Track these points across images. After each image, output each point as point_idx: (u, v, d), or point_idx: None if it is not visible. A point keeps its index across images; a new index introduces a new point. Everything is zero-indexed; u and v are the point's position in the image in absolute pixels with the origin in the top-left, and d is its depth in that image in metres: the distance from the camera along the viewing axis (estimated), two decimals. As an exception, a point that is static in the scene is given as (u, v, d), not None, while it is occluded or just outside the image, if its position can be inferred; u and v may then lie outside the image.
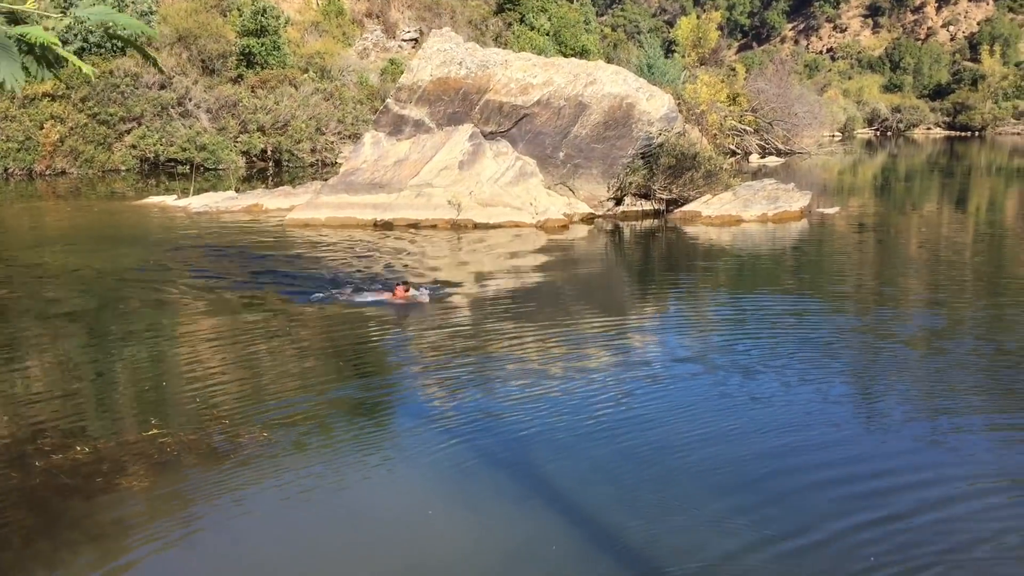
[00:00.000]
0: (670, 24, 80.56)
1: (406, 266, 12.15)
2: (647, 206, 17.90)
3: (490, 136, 16.99)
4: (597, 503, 4.93)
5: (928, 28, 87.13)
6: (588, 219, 16.94)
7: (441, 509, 4.92)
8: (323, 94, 31.19)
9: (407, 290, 9.74)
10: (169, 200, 19.29)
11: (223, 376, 7.20)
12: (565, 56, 31.44)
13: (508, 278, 11.62)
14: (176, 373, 7.34)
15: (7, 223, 17.00)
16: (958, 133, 67.01)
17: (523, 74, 17.44)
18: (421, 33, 39.92)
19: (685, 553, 4.39)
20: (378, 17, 41.52)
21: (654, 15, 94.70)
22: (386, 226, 15.61)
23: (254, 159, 29.43)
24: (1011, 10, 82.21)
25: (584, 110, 17.14)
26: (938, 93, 73.85)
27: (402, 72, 22.42)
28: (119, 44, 27.32)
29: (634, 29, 76.41)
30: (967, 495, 5.08)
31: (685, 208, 17.26)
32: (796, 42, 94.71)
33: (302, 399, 6.64)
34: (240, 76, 31.35)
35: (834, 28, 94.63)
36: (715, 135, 32.09)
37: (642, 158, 17.37)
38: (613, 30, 73.22)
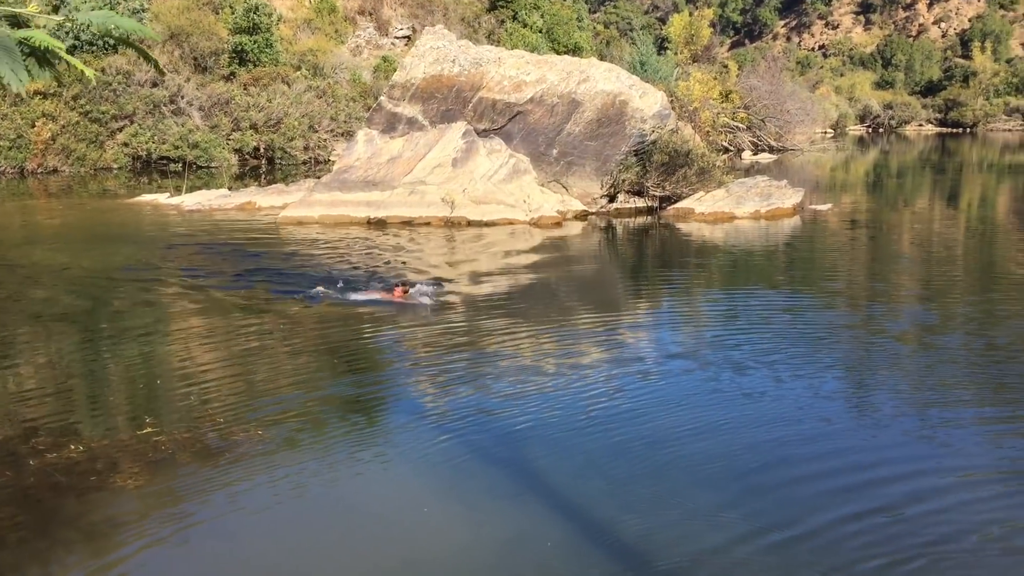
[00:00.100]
0: (662, 21, 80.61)
1: (404, 263, 12.16)
2: (640, 203, 17.94)
3: (483, 133, 17.00)
4: (590, 497, 4.96)
5: (920, 25, 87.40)
6: (582, 216, 16.97)
7: (435, 505, 4.94)
8: (316, 92, 31.13)
9: (406, 290, 9.72)
10: (162, 198, 19.24)
11: (217, 374, 7.21)
12: (558, 53, 31.43)
13: (502, 275, 11.65)
14: (170, 371, 7.35)
15: (-1, 222, 16.94)
16: (950, 130, 67.26)
17: (516, 71, 17.46)
18: (414, 30, 39.87)
19: (677, 545, 4.43)
20: (371, 14, 41.45)
21: (646, 12, 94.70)
22: (380, 224, 15.61)
23: (247, 157, 29.36)
24: (1002, 7, 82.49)
25: (577, 107, 17.16)
26: (930, 90, 74.12)
27: (395, 70, 22.40)
28: (111, 42, 27.29)
29: (627, 26, 76.41)
30: (956, 488, 5.13)
31: (678, 205, 17.31)
32: (788, 39, 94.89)
33: (296, 396, 6.65)
34: (232, 74, 31.27)
35: (826, 25, 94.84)
36: (708, 132, 32.14)
37: (635, 155, 17.40)
38: (606, 27, 73.18)
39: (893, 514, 4.76)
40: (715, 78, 37.49)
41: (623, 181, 17.56)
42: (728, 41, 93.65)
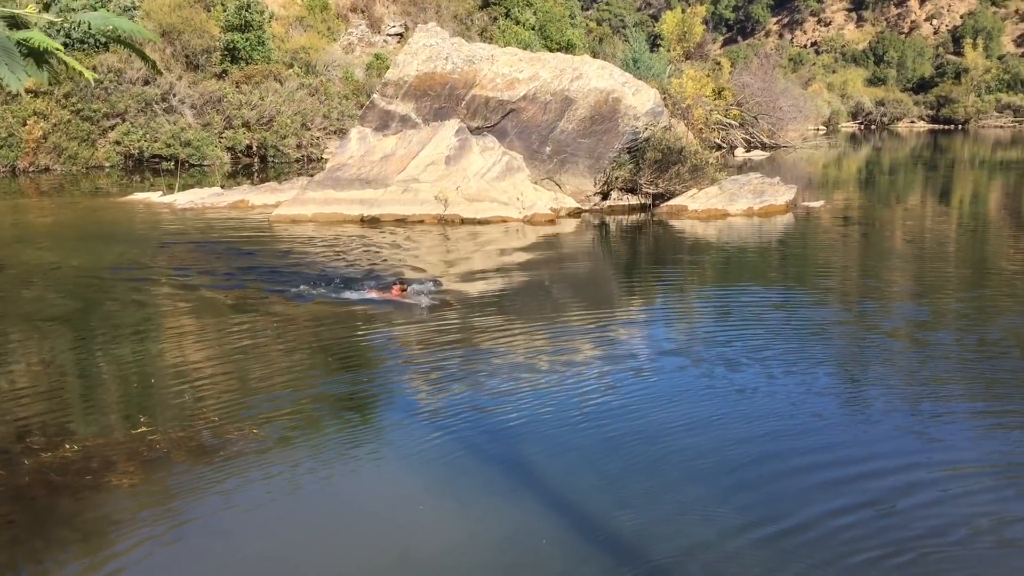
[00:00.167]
0: (655, 18, 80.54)
1: (401, 260, 12.17)
2: (633, 200, 17.97)
3: (477, 131, 17.01)
4: (584, 493, 4.99)
5: (911, 22, 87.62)
6: (575, 214, 16.99)
7: (430, 501, 4.96)
8: (308, 89, 31.07)
9: (404, 289, 9.70)
10: (154, 196, 19.20)
11: (211, 373, 7.21)
12: (551, 51, 31.50)
13: (495, 272, 11.66)
14: (164, 370, 7.35)
15: (-10, 221, 16.87)
16: (941, 126, 67.45)
17: (509, 69, 17.46)
18: (406, 28, 39.83)
19: (670, 539, 4.46)
20: (363, 12, 41.38)
21: (639, 9, 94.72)
22: (373, 222, 15.61)
23: (239, 155, 29.29)
24: (993, 3, 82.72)
25: (570, 105, 17.18)
26: (921, 86, 74.29)
27: (387, 67, 22.38)
28: (102, 40, 27.18)
29: (619, 23, 76.46)
30: (946, 482, 5.17)
31: (671, 202, 17.34)
32: (780, 36, 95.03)
33: (290, 395, 6.66)
34: (224, 71, 31.19)
35: (818, 22, 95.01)
36: (701, 129, 32.18)
37: (628, 152, 17.43)
38: (598, 24, 73.19)
39: (884, 508, 4.80)
40: (708, 75, 37.52)
41: (616, 178, 17.59)
42: (721, 38, 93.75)
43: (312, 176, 17.88)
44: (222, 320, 8.99)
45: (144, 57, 3.22)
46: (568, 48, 39.91)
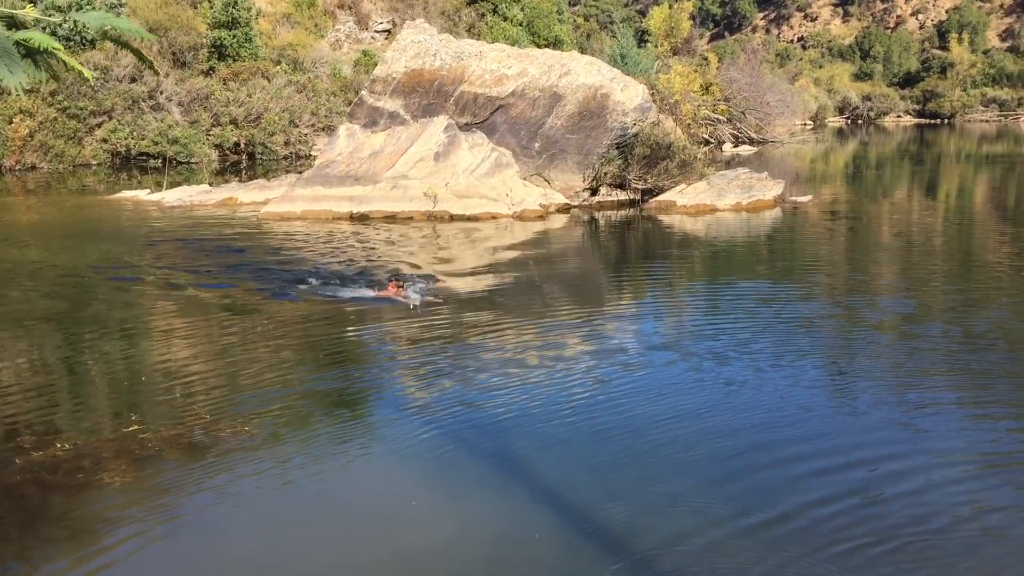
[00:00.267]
0: (642, 14, 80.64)
1: (392, 257, 12.17)
2: (623, 196, 18.03)
3: (465, 127, 17.01)
4: (575, 485, 5.03)
5: (897, 17, 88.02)
6: (564, 209, 17.03)
7: (421, 497, 4.99)
8: (296, 86, 30.98)
9: (400, 286, 9.65)
10: (142, 194, 19.12)
11: (201, 370, 7.21)
12: (538, 47, 31.48)
13: (485, 268, 11.69)
14: (153, 368, 7.34)
15: (-24, 220, 16.76)
16: (928, 121, 67.84)
17: (498, 65, 17.47)
18: (394, 24, 39.75)
19: (660, 530, 4.51)
20: (350, 8, 41.26)
21: (626, 5, 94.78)
22: (362, 219, 15.60)
23: (227, 152, 29.19)
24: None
25: (559, 101, 17.21)
26: (908, 81, 74.65)
27: (375, 64, 22.35)
28: (87, 38, 27.03)
29: (607, 19, 76.46)
30: (931, 471, 5.24)
31: (660, 198, 17.40)
32: (767, 31, 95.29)
33: (281, 392, 6.67)
34: (212, 69, 31.06)
35: (805, 17, 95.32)
36: (689, 125, 32.29)
37: (617, 148, 17.48)
38: (586, 20, 73.26)
39: (869, 497, 4.86)
40: (695, 71, 37.65)
41: (605, 174, 17.64)
42: (708, 33, 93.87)
43: (301, 173, 17.84)
44: (211, 317, 8.98)
45: (141, 57, 3.23)
46: (556, 44, 39.91)
